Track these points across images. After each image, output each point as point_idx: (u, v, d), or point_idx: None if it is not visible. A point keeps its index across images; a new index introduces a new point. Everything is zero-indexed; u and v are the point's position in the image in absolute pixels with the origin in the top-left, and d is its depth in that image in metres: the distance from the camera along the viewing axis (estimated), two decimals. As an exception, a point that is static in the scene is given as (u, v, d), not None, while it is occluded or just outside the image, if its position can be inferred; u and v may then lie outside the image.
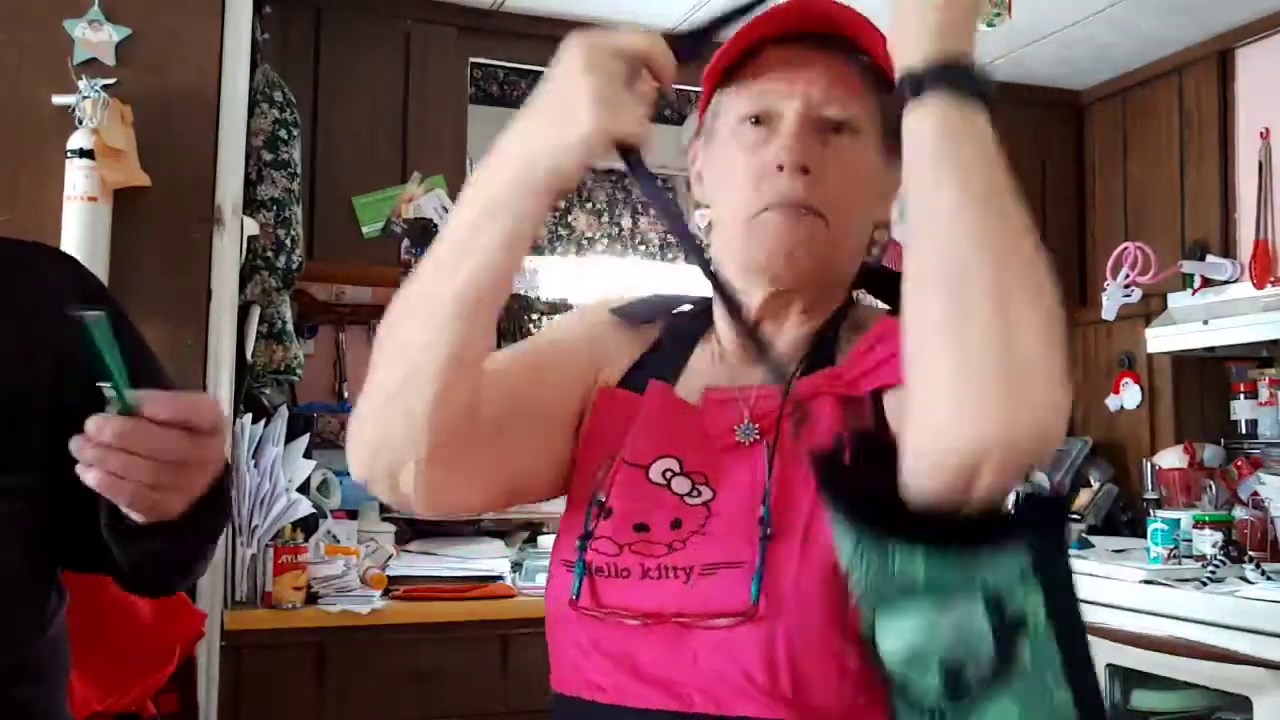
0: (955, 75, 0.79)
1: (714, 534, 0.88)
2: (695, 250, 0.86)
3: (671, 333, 1.05)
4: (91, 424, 0.84)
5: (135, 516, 0.92)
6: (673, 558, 0.88)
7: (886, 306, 0.99)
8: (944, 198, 0.78)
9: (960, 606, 0.75)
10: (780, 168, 0.92)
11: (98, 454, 0.85)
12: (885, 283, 1.01)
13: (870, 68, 0.96)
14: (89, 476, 0.86)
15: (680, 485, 0.92)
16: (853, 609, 0.81)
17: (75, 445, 0.85)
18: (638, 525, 0.90)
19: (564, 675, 0.92)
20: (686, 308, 1.07)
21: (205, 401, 0.92)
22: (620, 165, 0.83)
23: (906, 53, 0.79)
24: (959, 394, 0.73)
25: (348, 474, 3.35)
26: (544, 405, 0.99)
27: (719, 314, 1.02)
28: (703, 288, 0.98)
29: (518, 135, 0.84)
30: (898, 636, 0.77)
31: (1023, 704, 0.75)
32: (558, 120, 0.81)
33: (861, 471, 0.80)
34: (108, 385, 0.83)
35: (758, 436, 0.91)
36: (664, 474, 0.92)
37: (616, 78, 0.80)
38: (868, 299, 1.05)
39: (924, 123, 0.79)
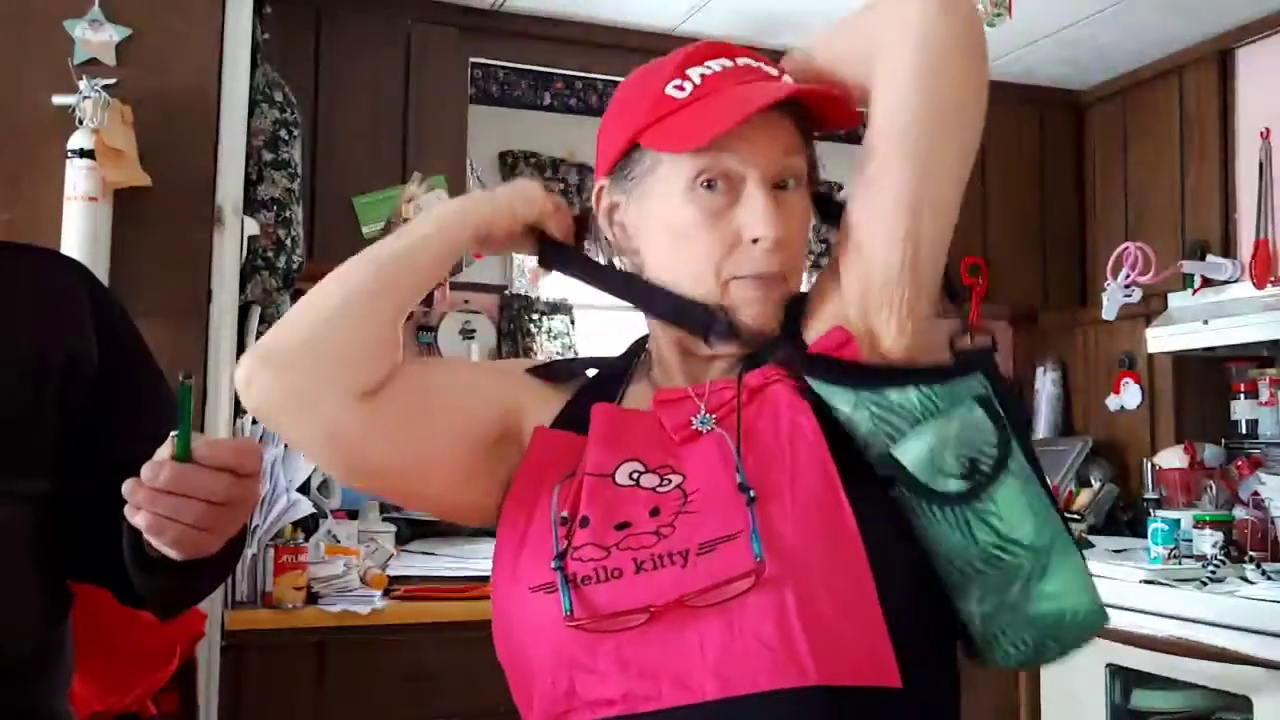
0: None
1: (699, 510, 0.88)
2: (639, 287, 1.00)
3: (597, 380, 1.06)
4: (147, 470, 0.88)
5: (173, 554, 0.94)
6: (664, 544, 0.87)
7: None
8: None
9: (960, 413, 0.88)
10: (755, 240, 0.95)
11: (149, 496, 0.88)
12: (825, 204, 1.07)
13: (805, 121, 1.00)
14: (138, 519, 0.89)
15: (649, 480, 0.91)
16: (860, 555, 0.85)
17: (128, 488, 0.88)
18: (619, 524, 0.89)
19: (559, 708, 0.87)
20: (596, 370, 1.08)
21: (250, 445, 0.95)
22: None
23: None
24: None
25: (348, 474, 3.33)
26: (464, 400, 1.01)
27: (658, 331, 1.04)
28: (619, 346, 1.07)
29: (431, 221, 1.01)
30: (917, 446, 0.87)
31: (1022, 485, 0.88)
32: (473, 202, 1.02)
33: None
34: (175, 434, 0.90)
35: (714, 425, 0.93)
36: (630, 475, 0.92)
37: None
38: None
39: None
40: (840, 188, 3.83)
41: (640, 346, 1.08)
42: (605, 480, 0.91)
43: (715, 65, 0.97)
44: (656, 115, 0.96)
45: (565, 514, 0.90)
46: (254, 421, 2.44)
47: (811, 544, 0.84)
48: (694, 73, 0.96)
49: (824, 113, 1.00)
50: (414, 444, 0.97)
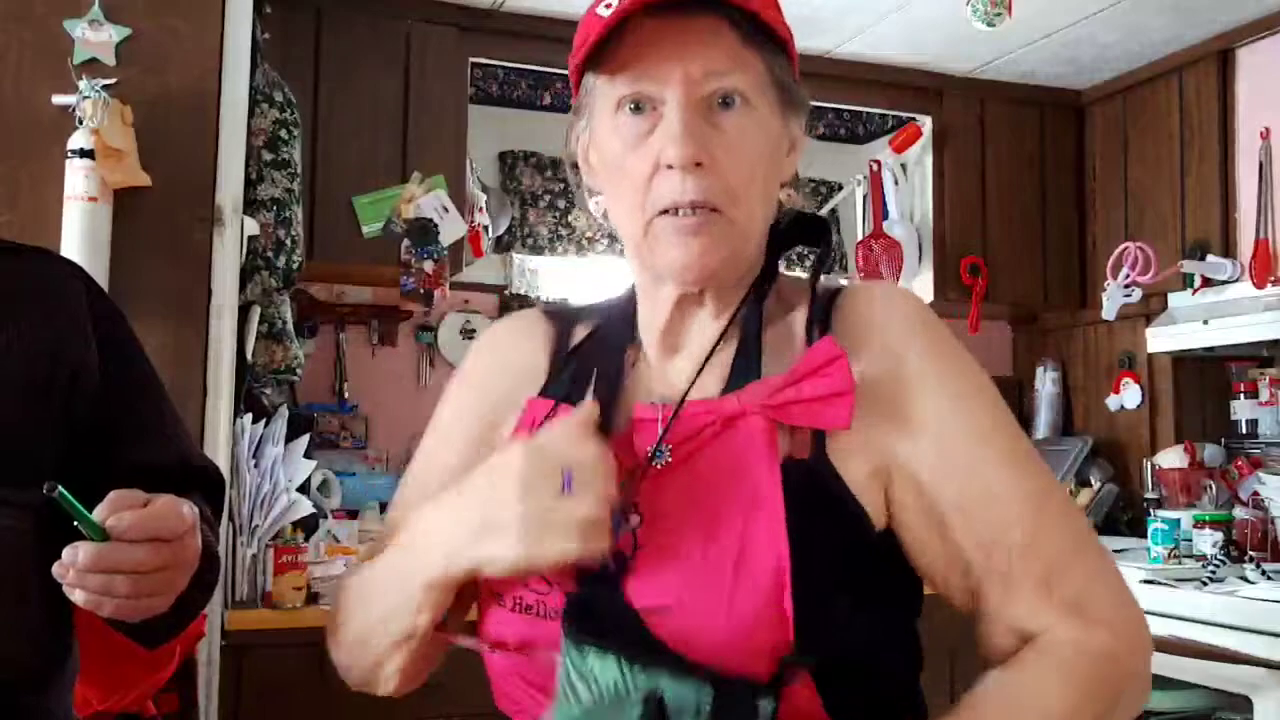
0: None
1: (643, 571, 0.83)
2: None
3: (597, 340, 1.00)
4: (67, 553, 0.91)
5: (123, 618, 0.97)
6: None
7: (805, 275, 0.96)
8: None
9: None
10: (670, 166, 0.85)
11: (77, 578, 0.91)
12: (809, 226, 0.97)
13: (749, 27, 0.87)
14: (75, 596, 0.92)
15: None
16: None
17: (57, 570, 0.91)
18: None
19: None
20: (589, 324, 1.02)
21: (170, 510, 0.96)
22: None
23: None
24: None
25: (348, 474, 3.38)
26: None
27: (642, 323, 0.97)
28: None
29: (445, 523, 0.85)
30: None
31: None
32: (485, 533, 0.81)
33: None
34: (79, 524, 0.91)
35: (669, 460, 0.86)
36: None
37: (552, 496, 0.78)
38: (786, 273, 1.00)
39: None
40: (840, 187, 3.85)
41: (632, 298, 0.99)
42: None
43: None
44: (583, 37, 0.87)
45: None
46: (253, 420, 2.44)
47: (728, 658, 0.78)
48: None
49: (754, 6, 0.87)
50: None
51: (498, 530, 0.80)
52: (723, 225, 0.87)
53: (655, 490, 0.85)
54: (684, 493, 0.84)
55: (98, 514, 0.92)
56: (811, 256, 0.98)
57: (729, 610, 0.79)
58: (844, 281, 0.99)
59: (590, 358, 0.98)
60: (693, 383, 0.90)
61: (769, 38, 0.89)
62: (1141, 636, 0.86)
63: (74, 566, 0.91)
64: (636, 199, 0.88)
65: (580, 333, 1.01)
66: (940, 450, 0.85)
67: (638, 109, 0.87)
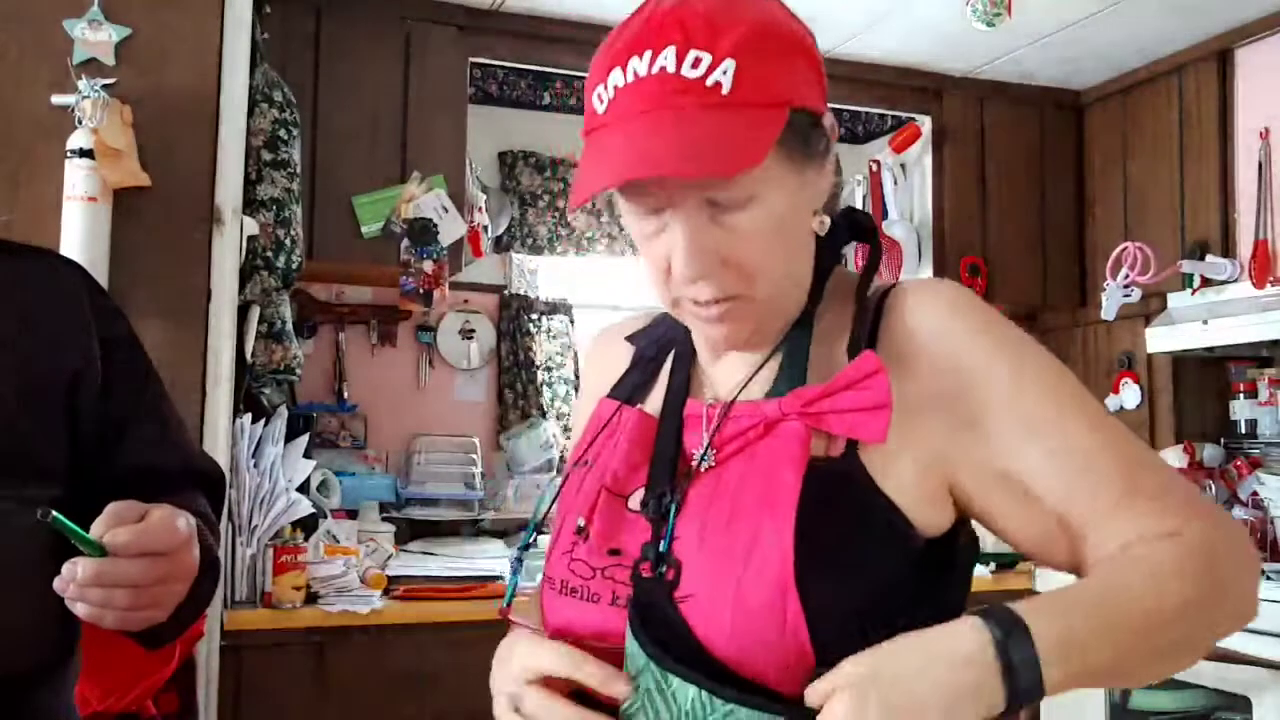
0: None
1: (680, 562, 0.86)
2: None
3: (653, 341, 1.04)
4: (67, 568, 0.93)
5: (125, 630, 0.99)
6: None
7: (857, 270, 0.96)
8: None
9: None
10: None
11: (77, 592, 0.93)
12: (857, 222, 0.98)
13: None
14: (76, 610, 0.95)
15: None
16: (805, 655, 0.81)
17: (58, 585, 0.93)
18: (611, 549, 0.90)
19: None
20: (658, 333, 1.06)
21: (167, 524, 0.98)
22: None
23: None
24: None
25: (347, 474, 3.38)
26: None
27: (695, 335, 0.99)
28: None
29: None
30: None
31: None
32: None
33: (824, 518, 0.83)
34: (76, 543, 0.94)
35: (713, 463, 0.89)
36: (641, 502, 0.92)
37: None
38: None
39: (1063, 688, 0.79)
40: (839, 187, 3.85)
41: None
42: (619, 501, 0.93)
43: (627, 74, 0.84)
44: (588, 127, 0.89)
45: (581, 521, 0.93)
46: (253, 420, 2.44)
47: (736, 642, 0.82)
48: (613, 79, 0.85)
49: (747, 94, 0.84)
50: None
51: None
52: (746, 306, 0.88)
53: (698, 488, 0.88)
54: (721, 491, 0.87)
55: (95, 529, 0.94)
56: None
57: (735, 603, 0.81)
58: (892, 282, 0.97)
59: (655, 360, 1.02)
60: (742, 387, 0.92)
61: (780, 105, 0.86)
62: (1238, 526, 0.87)
63: (74, 581, 0.93)
64: (659, 279, 0.89)
65: (651, 338, 1.05)
66: (1018, 420, 0.86)
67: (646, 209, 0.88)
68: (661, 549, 0.86)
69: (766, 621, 0.80)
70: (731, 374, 0.95)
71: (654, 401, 0.99)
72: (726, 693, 0.78)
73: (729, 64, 0.82)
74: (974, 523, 0.92)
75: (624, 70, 0.84)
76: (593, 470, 0.96)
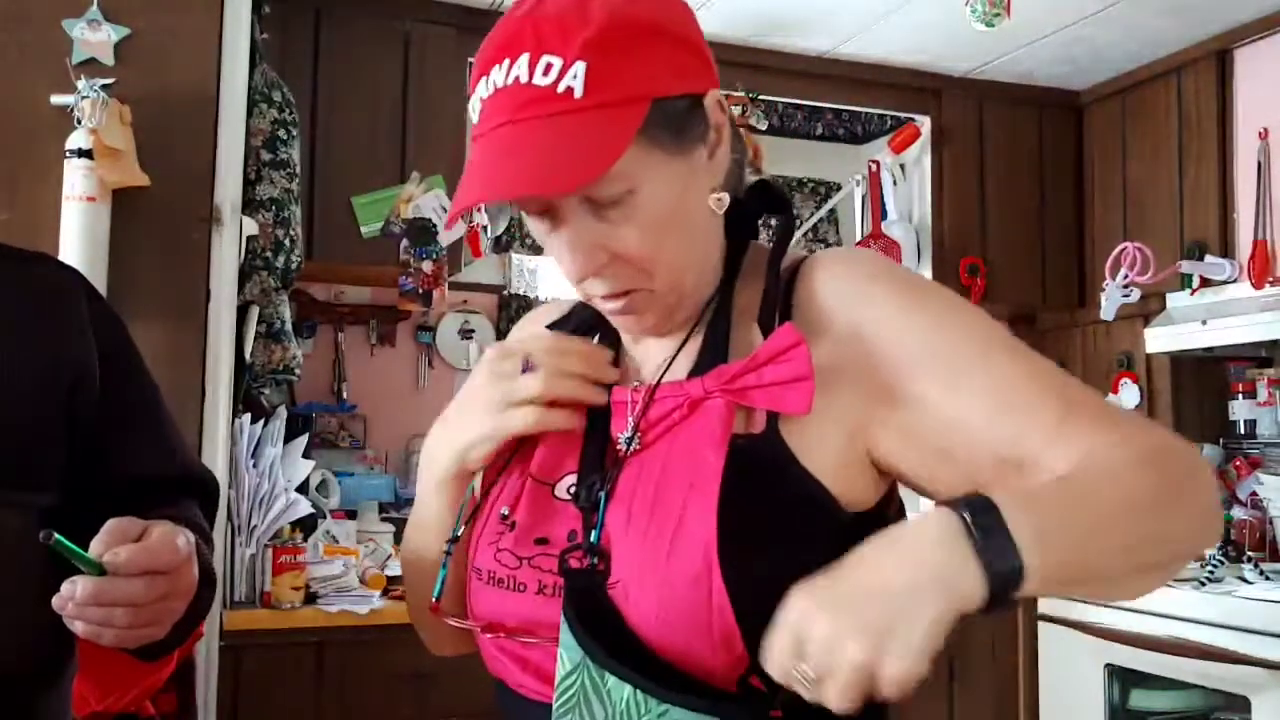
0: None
1: (609, 547, 0.86)
2: None
3: (575, 327, 1.03)
4: (66, 586, 0.93)
5: (123, 647, 0.99)
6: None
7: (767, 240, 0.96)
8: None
9: None
10: None
11: (75, 611, 0.93)
12: (770, 195, 0.97)
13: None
14: (75, 628, 0.95)
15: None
16: (731, 636, 0.80)
17: (56, 603, 0.93)
18: (539, 538, 0.90)
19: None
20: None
21: (167, 543, 0.98)
22: None
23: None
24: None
25: (346, 474, 3.37)
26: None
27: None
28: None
29: (438, 432, 0.98)
30: None
31: None
32: (462, 420, 0.95)
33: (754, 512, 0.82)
34: (77, 563, 0.94)
35: (639, 447, 0.88)
36: (568, 489, 0.91)
37: (511, 377, 0.91)
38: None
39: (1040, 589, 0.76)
40: (839, 187, 3.85)
41: None
42: (545, 489, 0.93)
43: (489, 85, 0.84)
44: (472, 137, 0.88)
45: (506, 510, 0.93)
46: (252, 420, 2.44)
47: (666, 626, 0.81)
48: (479, 90, 0.85)
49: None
50: None
51: (470, 414, 0.94)
52: (648, 297, 0.89)
53: (626, 474, 0.88)
54: (646, 475, 0.86)
55: (95, 547, 0.93)
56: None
57: (661, 585, 0.81)
58: (805, 253, 0.95)
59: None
60: (665, 368, 0.92)
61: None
62: (1185, 442, 0.84)
63: (72, 600, 0.92)
64: (564, 274, 0.90)
65: (573, 324, 1.04)
66: (934, 370, 0.84)
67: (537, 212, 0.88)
68: (593, 539, 0.85)
69: (692, 602, 0.79)
70: (655, 355, 0.94)
71: None
72: (660, 692, 0.77)
73: (579, 67, 0.81)
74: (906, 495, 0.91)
75: (487, 81, 0.84)
76: (517, 458, 0.96)
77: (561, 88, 0.81)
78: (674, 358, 0.92)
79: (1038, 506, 0.74)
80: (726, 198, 0.91)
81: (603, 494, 0.87)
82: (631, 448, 0.88)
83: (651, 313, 0.90)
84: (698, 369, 0.89)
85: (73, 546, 0.91)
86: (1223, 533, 0.77)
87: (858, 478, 0.86)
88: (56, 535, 0.90)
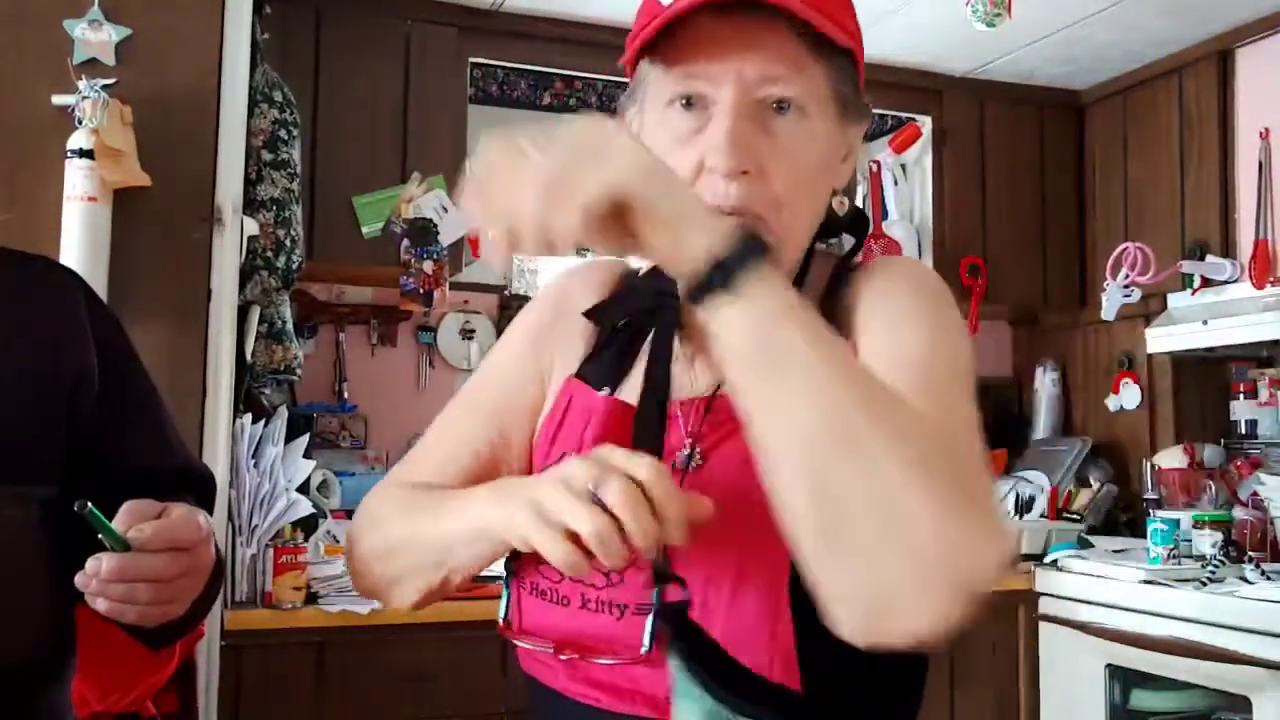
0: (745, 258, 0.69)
1: (647, 569, 0.81)
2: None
3: (620, 314, 0.98)
4: (91, 563, 0.94)
5: (143, 624, 1.00)
6: (610, 591, 0.84)
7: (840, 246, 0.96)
8: (781, 417, 0.70)
9: None
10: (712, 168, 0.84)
11: (100, 587, 0.95)
12: (854, 219, 0.97)
13: (813, 34, 0.84)
14: (98, 605, 0.96)
15: None
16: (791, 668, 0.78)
17: (80, 580, 0.94)
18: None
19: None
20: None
21: (188, 520, 1.00)
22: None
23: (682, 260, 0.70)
24: (852, 582, 0.69)
25: (347, 474, 3.37)
26: (510, 437, 0.99)
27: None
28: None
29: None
30: None
31: None
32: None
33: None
34: (103, 537, 0.95)
35: (699, 462, 0.86)
36: None
37: (568, 488, 0.76)
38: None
39: (734, 334, 0.70)
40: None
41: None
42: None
43: None
44: (641, 23, 0.86)
45: None
46: (253, 420, 2.44)
47: (734, 644, 0.79)
48: None
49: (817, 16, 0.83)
50: None
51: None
52: (762, 230, 0.84)
53: (687, 489, 0.83)
54: (711, 488, 0.82)
55: (118, 524, 0.95)
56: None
57: (727, 614, 0.79)
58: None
59: (632, 342, 0.96)
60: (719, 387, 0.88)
61: (833, 47, 0.86)
62: (986, 467, 0.78)
63: (97, 576, 0.94)
64: (708, 165, 0.85)
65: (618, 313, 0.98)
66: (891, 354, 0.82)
67: (689, 105, 0.86)
68: (662, 566, 0.80)
69: (756, 634, 0.78)
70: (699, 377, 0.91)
71: (629, 388, 0.93)
72: (740, 703, 0.74)
73: None
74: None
75: None
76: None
77: None
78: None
79: (799, 311, 0.70)
80: (847, 201, 0.92)
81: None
82: (691, 465, 0.86)
83: (758, 217, 0.85)
84: None
85: (102, 519, 0.93)
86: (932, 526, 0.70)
87: None
88: (90, 507, 0.92)
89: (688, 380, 0.92)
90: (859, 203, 3.73)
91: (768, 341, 0.69)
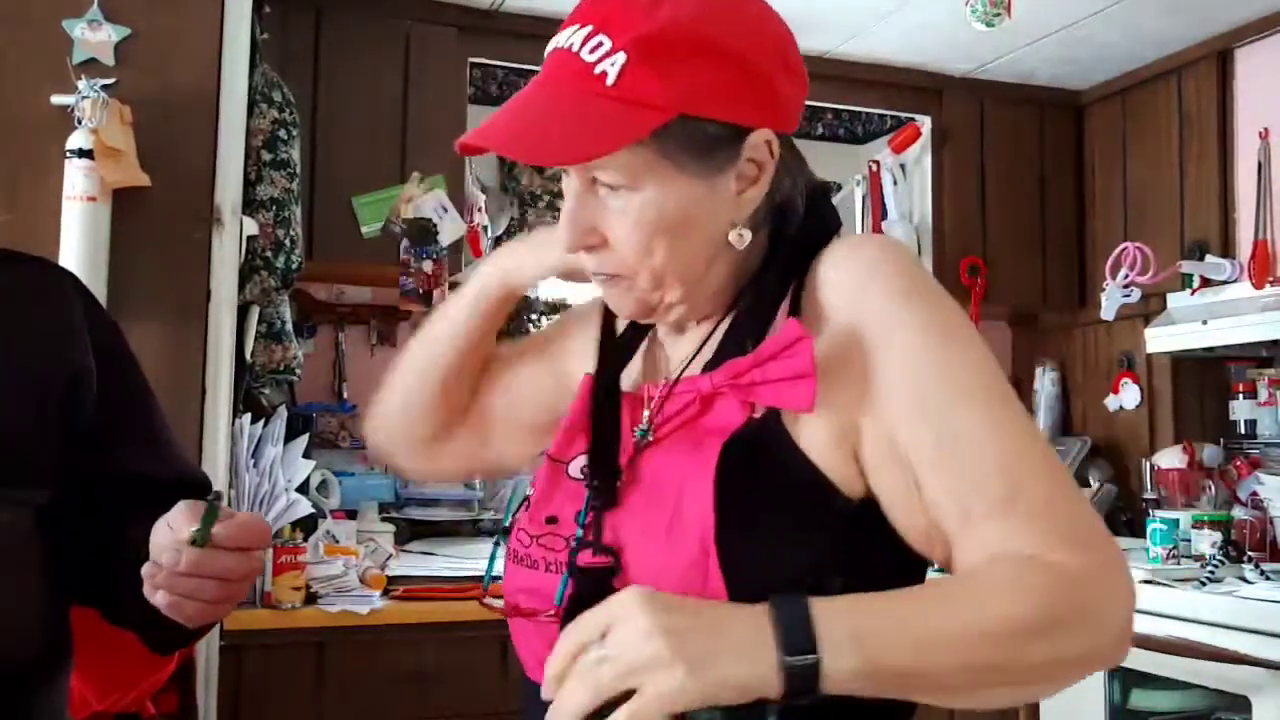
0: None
1: (614, 533, 0.87)
2: None
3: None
4: (168, 554, 0.95)
5: (188, 624, 1.01)
6: (565, 554, 0.89)
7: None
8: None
9: None
10: None
11: (169, 580, 0.95)
12: (818, 211, 0.96)
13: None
14: (157, 598, 0.96)
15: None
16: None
17: (147, 570, 0.95)
18: (549, 517, 0.92)
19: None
20: None
21: (259, 523, 1.02)
22: None
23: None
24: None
25: (347, 474, 3.37)
26: (526, 398, 1.12)
27: None
28: None
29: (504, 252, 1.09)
30: None
31: None
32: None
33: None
34: (196, 529, 0.97)
35: (652, 438, 0.90)
36: (580, 470, 0.93)
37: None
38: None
39: (856, 689, 0.74)
40: (839, 188, 3.85)
41: None
42: (560, 468, 0.95)
43: (555, 42, 0.91)
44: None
45: (529, 490, 0.97)
46: (252, 420, 2.44)
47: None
48: (551, 42, 0.92)
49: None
50: (486, 460, 1.17)
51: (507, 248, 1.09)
52: (627, 288, 0.91)
53: (639, 464, 0.90)
54: (656, 465, 0.89)
55: (177, 523, 0.96)
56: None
57: (660, 573, 0.81)
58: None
59: (640, 332, 1.05)
60: (687, 364, 0.94)
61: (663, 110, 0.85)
62: (1115, 553, 0.80)
63: (168, 568, 0.94)
64: (558, 239, 0.95)
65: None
66: (909, 396, 0.83)
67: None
68: (588, 527, 0.87)
69: (687, 589, 0.79)
70: (683, 349, 0.97)
71: (627, 374, 1.02)
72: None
73: (619, 57, 0.83)
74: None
75: (559, 35, 0.90)
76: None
77: (598, 70, 0.84)
78: (697, 353, 0.94)
79: (872, 617, 0.74)
80: (748, 235, 0.91)
81: (615, 483, 0.89)
82: (646, 439, 0.90)
83: (629, 302, 0.93)
84: (713, 364, 0.90)
85: (218, 512, 0.96)
86: (1128, 646, 0.74)
87: (847, 462, 0.85)
88: (222, 496, 0.96)
89: (662, 364, 0.99)
90: (858, 203, 3.74)
91: (880, 679, 0.73)
